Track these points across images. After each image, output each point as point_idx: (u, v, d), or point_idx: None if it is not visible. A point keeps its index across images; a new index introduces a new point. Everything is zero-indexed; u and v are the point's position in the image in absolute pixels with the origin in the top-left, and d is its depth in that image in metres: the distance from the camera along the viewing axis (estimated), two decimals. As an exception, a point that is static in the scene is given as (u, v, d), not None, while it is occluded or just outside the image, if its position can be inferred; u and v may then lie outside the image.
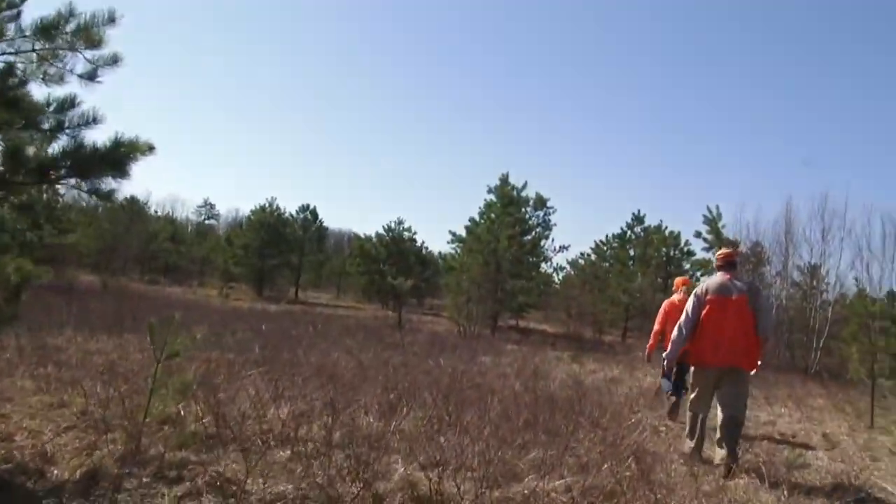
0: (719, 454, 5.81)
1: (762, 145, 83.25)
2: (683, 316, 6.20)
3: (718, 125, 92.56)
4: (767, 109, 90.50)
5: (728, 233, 19.58)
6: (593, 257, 35.99)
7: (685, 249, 28.28)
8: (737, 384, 6.02)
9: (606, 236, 34.28)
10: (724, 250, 6.54)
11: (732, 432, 5.83)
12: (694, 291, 6.26)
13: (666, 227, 29.59)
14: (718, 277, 6.18)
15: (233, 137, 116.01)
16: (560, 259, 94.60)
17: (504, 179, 25.27)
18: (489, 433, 5.30)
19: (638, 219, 31.71)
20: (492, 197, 25.67)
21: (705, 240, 19.64)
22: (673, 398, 8.44)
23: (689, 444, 6.24)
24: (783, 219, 20.68)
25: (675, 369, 7.95)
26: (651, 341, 9.10)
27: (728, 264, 6.25)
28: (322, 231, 47.14)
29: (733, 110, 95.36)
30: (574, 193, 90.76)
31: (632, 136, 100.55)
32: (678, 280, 9.51)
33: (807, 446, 7.41)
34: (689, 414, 6.30)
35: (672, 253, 28.76)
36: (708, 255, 20.06)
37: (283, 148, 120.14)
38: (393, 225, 41.06)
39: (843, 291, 21.64)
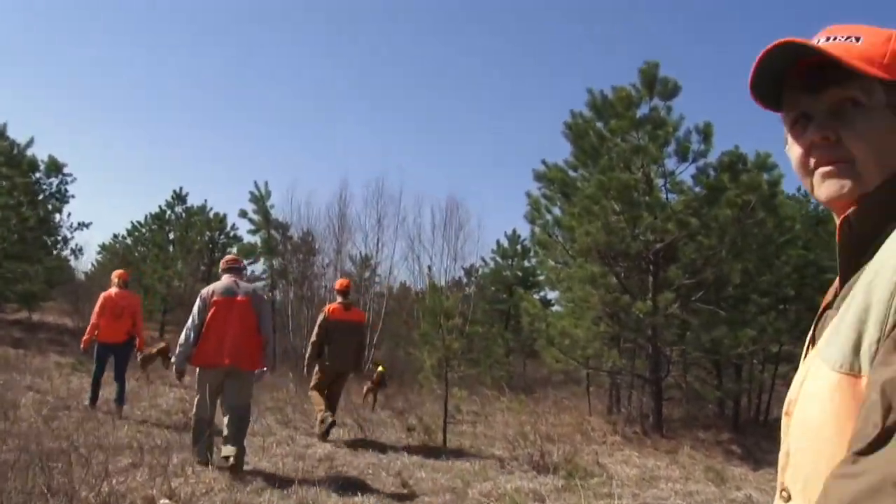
0: (228, 450, 5.83)
1: (317, 126, 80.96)
2: (190, 320, 6.14)
3: (272, 102, 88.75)
4: (329, 88, 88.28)
5: (277, 213, 17.24)
6: (129, 240, 31.32)
7: (232, 234, 25.51)
8: (240, 382, 6.08)
9: (145, 217, 29.90)
10: (229, 256, 6.78)
11: (240, 426, 5.96)
12: (200, 294, 6.28)
13: (211, 209, 26.49)
14: (225, 280, 6.30)
15: None
16: (89, 240, 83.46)
17: (0, 132, 19.61)
18: None
19: (179, 197, 27.96)
20: (-16, 156, 19.75)
21: (252, 221, 16.99)
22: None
23: (195, 450, 6.10)
24: (337, 202, 18.95)
25: None
26: (86, 335, 8.87)
27: (233, 269, 6.45)
28: None
29: (295, 87, 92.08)
30: (105, 162, 77.88)
31: (173, 104, 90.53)
32: (115, 273, 9.43)
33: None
34: (194, 419, 6.17)
35: (217, 237, 25.76)
36: (254, 239, 17.46)
37: None
38: None
39: (391, 283, 20.83)
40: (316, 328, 8.46)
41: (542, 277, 14.93)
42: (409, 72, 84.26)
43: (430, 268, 12.61)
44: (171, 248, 27.25)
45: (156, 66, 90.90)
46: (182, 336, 6.17)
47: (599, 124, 11.90)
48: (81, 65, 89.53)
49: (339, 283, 9.02)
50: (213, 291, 6.16)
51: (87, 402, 8.60)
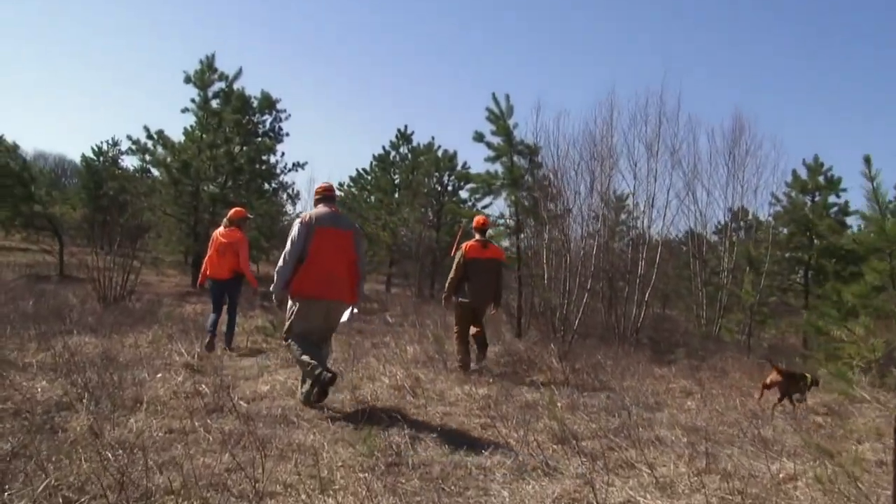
0: (301, 391, 5.86)
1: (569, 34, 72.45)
2: (289, 244, 5.84)
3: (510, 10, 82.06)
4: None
5: (522, 134, 13.27)
6: (354, 189, 29.14)
7: (464, 173, 22.14)
8: (336, 318, 6.03)
9: (371, 162, 27.36)
10: (322, 184, 6.32)
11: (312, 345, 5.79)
12: (300, 219, 5.94)
13: (439, 147, 23.25)
14: (325, 209, 5.98)
15: None
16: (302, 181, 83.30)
17: (209, 63, 17.35)
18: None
19: (404, 136, 25.02)
20: (194, 90, 17.68)
21: (489, 145, 13.16)
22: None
23: (301, 390, 5.95)
24: (599, 120, 14.41)
25: None
26: (201, 272, 9.11)
27: (328, 198, 6.15)
28: None
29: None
30: (321, 99, 75.33)
31: (392, 30, 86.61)
32: (233, 210, 9.25)
33: None
34: (297, 349, 5.77)
35: (447, 177, 22.55)
36: (493, 168, 13.69)
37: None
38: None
39: (664, 232, 16.21)
40: (454, 266, 8.59)
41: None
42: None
43: (867, 158, 7.98)
44: (395, 194, 24.53)
45: None
46: (280, 261, 5.82)
47: None
48: None
49: (477, 220, 9.02)
50: (317, 219, 5.85)
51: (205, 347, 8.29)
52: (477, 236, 8.74)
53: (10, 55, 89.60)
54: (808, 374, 7.83)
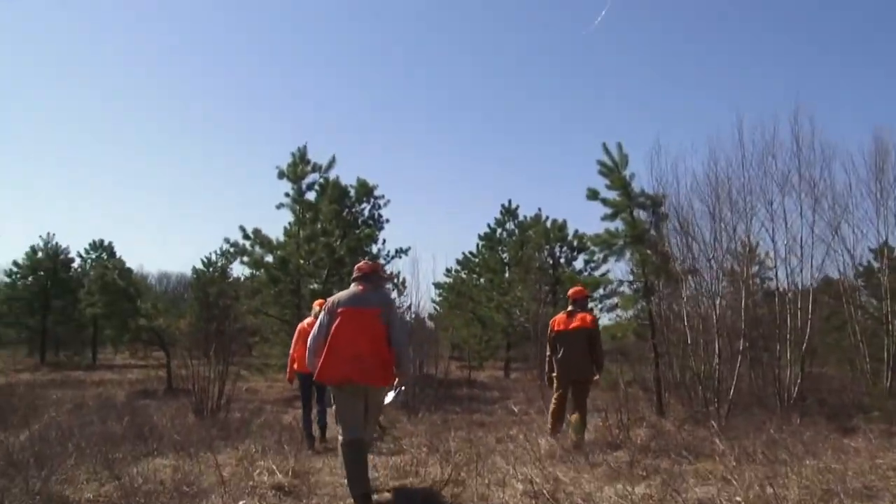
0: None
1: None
2: (315, 329, 5.66)
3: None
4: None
5: (642, 185, 11.77)
6: (463, 273, 28.05)
7: (575, 244, 20.74)
8: (372, 403, 5.60)
9: (477, 243, 26.36)
10: (362, 264, 5.93)
11: (361, 455, 5.36)
12: (325, 304, 5.75)
13: (547, 218, 21.98)
14: (352, 289, 5.71)
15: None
16: (405, 268, 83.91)
17: (301, 155, 16.88)
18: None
19: (509, 211, 23.97)
20: (287, 185, 17.21)
21: (605, 201, 11.72)
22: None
23: (355, 487, 5.28)
24: (723, 159, 12.53)
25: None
26: (288, 368, 9.03)
27: (359, 277, 5.75)
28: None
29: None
30: (416, 180, 75.89)
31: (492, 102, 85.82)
32: (315, 302, 9.37)
33: None
34: (345, 444, 5.35)
35: (559, 250, 21.17)
36: (611, 226, 12.15)
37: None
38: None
39: (810, 280, 14.04)
40: (547, 344, 8.73)
41: None
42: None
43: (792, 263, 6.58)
44: (506, 273, 23.28)
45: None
46: (308, 347, 5.62)
47: None
48: (385, 73, 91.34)
49: (571, 291, 8.84)
50: (338, 301, 5.56)
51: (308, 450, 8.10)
52: (569, 307, 8.66)
53: (135, 187, 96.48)
54: None
